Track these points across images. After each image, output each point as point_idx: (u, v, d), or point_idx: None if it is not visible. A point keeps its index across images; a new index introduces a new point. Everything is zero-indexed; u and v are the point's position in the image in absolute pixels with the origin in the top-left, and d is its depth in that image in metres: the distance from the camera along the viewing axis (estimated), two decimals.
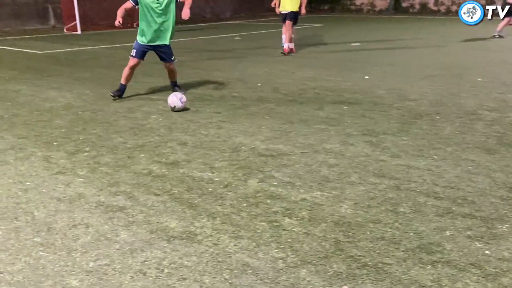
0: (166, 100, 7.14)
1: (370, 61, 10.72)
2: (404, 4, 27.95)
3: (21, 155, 4.88)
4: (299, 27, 13.06)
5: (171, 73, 7.52)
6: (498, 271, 2.83)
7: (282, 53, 11.77)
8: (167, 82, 8.01)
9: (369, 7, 29.15)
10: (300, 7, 11.69)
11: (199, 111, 6.55)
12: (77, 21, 18.10)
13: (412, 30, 18.10)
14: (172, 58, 7.26)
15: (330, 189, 3.98)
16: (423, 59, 10.91)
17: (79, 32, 18.02)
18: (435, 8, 26.73)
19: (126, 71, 7.16)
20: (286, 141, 5.22)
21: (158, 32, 6.93)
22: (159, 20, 6.85)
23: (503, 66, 9.88)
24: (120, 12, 6.85)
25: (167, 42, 7.06)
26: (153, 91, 7.81)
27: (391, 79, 8.61)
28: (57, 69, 10.15)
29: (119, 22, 6.77)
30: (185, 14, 6.77)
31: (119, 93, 7.25)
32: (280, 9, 11.65)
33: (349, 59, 11.10)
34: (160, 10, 6.80)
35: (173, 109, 6.47)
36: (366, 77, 8.86)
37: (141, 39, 7.01)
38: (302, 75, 9.10)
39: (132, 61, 7.09)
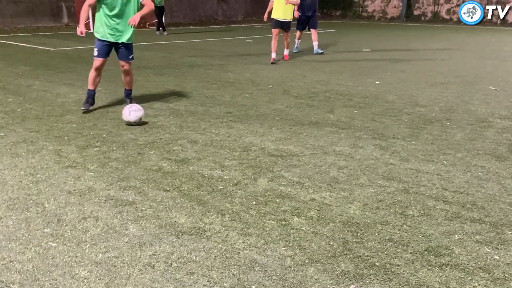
0: (177, 99, 7.20)
1: (381, 67, 10.71)
2: (416, 12, 27.91)
3: (32, 148, 4.93)
4: (309, 32, 12.98)
5: (127, 77, 6.60)
6: (507, 275, 2.82)
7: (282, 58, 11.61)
8: (178, 81, 8.07)
9: (381, 15, 29.14)
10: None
11: (210, 110, 6.57)
12: (90, 20, 18.23)
13: (424, 37, 18.06)
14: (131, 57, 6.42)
15: (339, 190, 3.98)
16: (434, 66, 10.88)
17: (91, 30, 18.15)
18: (447, 17, 26.66)
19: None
20: (296, 142, 5.23)
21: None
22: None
23: None
24: (84, 15, 5.86)
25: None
26: (164, 90, 7.85)
27: (402, 85, 8.59)
28: (69, 66, 10.23)
29: (81, 32, 5.86)
30: (132, 19, 5.91)
31: (90, 103, 6.42)
32: (273, 16, 10.97)
33: (360, 65, 11.09)
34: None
35: (129, 124, 5.77)
36: (377, 82, 8.85)
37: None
38: (313, 79, 9.11)
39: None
